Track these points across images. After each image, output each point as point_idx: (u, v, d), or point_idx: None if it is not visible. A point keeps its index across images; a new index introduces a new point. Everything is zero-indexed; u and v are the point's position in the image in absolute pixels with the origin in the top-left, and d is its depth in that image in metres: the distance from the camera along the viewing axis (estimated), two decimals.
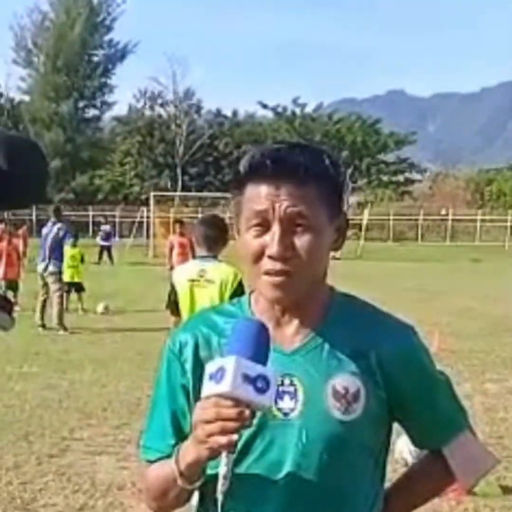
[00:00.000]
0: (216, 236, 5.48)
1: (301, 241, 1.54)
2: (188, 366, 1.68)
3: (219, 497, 1.42)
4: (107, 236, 32.11)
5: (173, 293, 5.58)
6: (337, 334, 1.64)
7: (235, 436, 1.38)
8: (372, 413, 1.61)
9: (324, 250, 1.60)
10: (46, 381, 9.23)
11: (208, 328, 1.70)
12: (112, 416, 7.68)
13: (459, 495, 5.43)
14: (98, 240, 32.18)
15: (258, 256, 1.56)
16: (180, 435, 1.65)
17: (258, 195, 1.55)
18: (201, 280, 5.37)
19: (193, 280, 5.40)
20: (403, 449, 5.58)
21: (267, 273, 1.56)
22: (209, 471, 1.57)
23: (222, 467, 1.40)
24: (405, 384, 1.64)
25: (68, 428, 7.25)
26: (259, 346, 1.43)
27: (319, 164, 1.57)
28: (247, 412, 1.37)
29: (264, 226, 1.55)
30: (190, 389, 1.67)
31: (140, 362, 10.18)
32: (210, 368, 1.43)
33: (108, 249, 31.16)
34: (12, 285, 15.93)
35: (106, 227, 32.63)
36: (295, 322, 1.65)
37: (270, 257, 1.54)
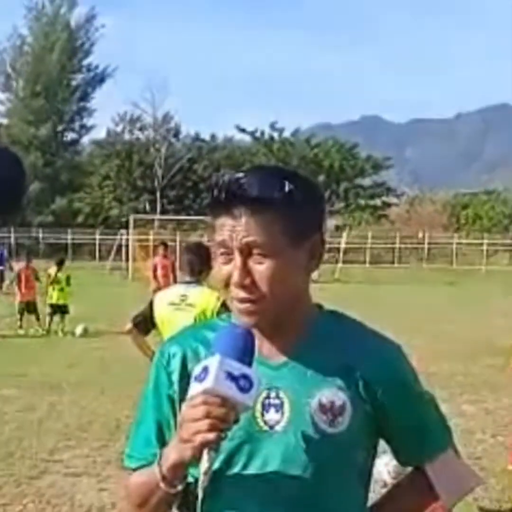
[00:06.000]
0: (198, 262, 5.56)
1: (260, 269, 1.58)
2: (175, 377, 1.72)
3: (199, 493, 1.46)
4: (0, 260, 28.10)
5: (148, 310, 5.63)
6: (323, 349, 1.68)
7: (221, 434, 1.42)
8: (358, 427, 1.64)
9: (288, 275, 1.60)
10: (25, 403, 9.21)
11: (197, 342, 1.74)
12: (92, 438, 7.67)
13: None
14: None
15: (227, 283, 1.62)
16: (164, 445, 1.66)
17: (221, 226, 1.61)
18: (182, 304, 5.42)
19: (173, 304, 5.45)
20: (381, 470, 5.57)
21: (236, 299, 1.62)
22: (190, 479, 1.60)
23: (203, 464, 1.43)
24: (390, 400, 1.68)
25: (48, 450, 7.23)
26: (244, 349, 1.48)
27: (277, 190, 1.58)
28: (233, 412, 1.43)
29: (228, 255, 1.61)
30: (176, 400, 1.70)
31: (120, 384, 10.13)
32: (195, 371, 1.48)
33: (1, 273, 27.48)
34: (30, 307, 16.42)
35: None
36: (282, 337, 1.68)
37: (234, 285, 1.60)
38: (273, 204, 1.57)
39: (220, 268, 1.63)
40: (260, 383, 1.49)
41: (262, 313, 1.60)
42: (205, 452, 1.42)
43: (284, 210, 1.58)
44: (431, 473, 1.75)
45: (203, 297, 5.43)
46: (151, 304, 5.65)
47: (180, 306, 5.42)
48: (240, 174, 1.60)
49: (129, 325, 5.75)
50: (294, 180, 1.61)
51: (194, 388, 1.45)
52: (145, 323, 5.63)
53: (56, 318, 16.51)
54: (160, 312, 5.50)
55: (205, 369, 1.43)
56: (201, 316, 5.30)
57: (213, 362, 1.43)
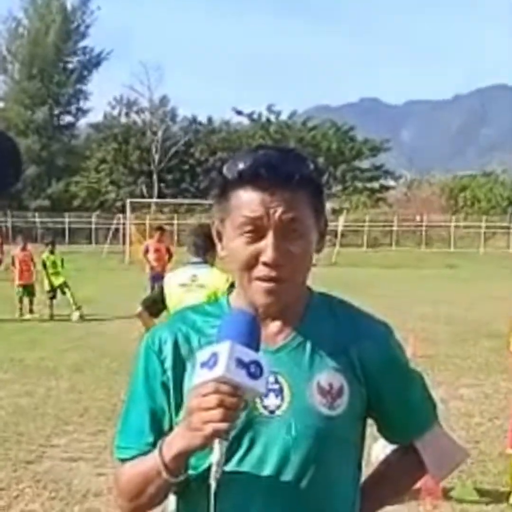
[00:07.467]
0: (204, 244, 5.58)
1: (295, 247, 1.57)
2: (168, 363, 1.67)
3: (212, 484, 1.42)
4: None
5: (159, 292, 5.69)
6: (318, 331, 1.67)
7: (233, 423, 1.39)
8: (354, 408, 1.65)
9: (311, 255, 1.63)
10: (22, 388, 9.19)
11: (188, 327, 1.70)
12: (89, 423, 7.66)
13: (436, 499, 5.45)
14: None
15: (252, 263, 1.58)
16: (159, 434, 1.63)
17: (251, 202, 1.56)
18: (193, 285, 5.47)
19: (184, 285, 5.49)
20: (379, 454, 5.57)
21: (260, 279, 1.58)
22: (191, 471, 1.57)
23: (215, 454, 1.40)
24: (383, 380, 1.68)
25: (45, 435, 7.22)
26: (252, 335, 1.45)
27: (307, 170, 1.59)
28: (242, 399, 1.40)
29: (257, 232, 1.57)
30: (171, 386, 1.66)
31: (117, 369, 10.14)
32: (201, 356, 1.43)
33: None
34: (29, 291, 16.57)
35: None
36: (277, 321, 1.67)
37: (265, 264, 1.56)
38: (304, 183, 1.58)
39: (243, 247, 1.58)
40: (269, 368, 1.45)
41: (282, 293, 1.59)
42: (216, 441, 1.40)
43: (309, 189, 1.60)
44: (421, 449, 1.77)
45: (214, 278, 5.47)
46: (161, 287, 5.71)
47: (191, 287, 5.47)
48: (267, 151, 1.59)
49: (139, 308, 5.79)
50: (312, 162, 1.63)
51: (202, 375, 1.41)
52: (155, 305, 5.68)
53: (63, 299, 16.59)
54: (171, 294, 5.54)
55: (214, 356, 1.39)
56: (212, 297, 5.30)
57: (223, 348, 1.39)
